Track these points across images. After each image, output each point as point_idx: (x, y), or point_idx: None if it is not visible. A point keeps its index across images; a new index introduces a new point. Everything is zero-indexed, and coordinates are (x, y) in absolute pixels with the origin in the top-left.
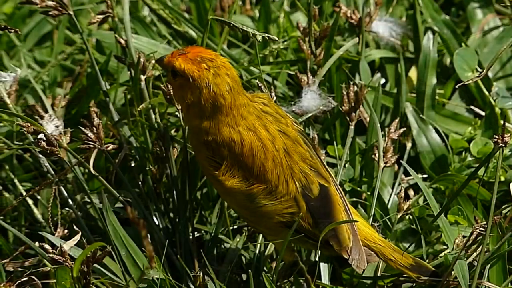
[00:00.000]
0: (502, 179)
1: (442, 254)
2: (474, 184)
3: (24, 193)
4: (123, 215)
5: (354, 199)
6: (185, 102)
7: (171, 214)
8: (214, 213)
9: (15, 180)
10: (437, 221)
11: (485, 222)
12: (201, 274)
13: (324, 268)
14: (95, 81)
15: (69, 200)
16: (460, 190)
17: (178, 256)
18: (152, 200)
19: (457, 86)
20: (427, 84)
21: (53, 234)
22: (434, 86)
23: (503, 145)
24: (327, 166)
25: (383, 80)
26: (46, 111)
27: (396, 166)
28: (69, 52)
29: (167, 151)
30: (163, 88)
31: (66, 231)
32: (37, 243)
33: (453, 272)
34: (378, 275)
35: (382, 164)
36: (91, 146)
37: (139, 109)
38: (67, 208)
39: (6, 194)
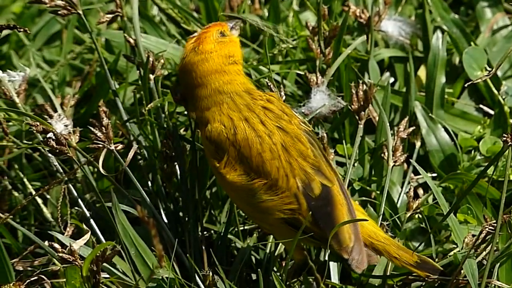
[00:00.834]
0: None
1: (452, 253)
2: (483, 183)
3: (34, 193)
4: (132, 214)
5: (364, 198)
6: (185, 90)
7: (181, 213)
8: (223, 212)
9: (25, 180)
10: (446, 220)
11: (495, 221)
12: (211, 273)
13: (333, 267)
14: (104, 80)
15: (79, 200)
16: (469, 189)
17: (187, 255)
18: (162, 199)
19: (466, 85)
20: (436, 83)
21: (63, 234)
22: (443, 85)
23: None
24: (333, 166)
25: (392, 79)
26: (55, 111)
27: (405, 165)
28: (78, 51)
29: (176, 150)
30: (172, 87)
31: (75, 230)
32: (46, 243)
33: (462, 271)
34: (388, 274)
35: (391, 163)
36: (100, 145)
37: (148, 108)
38: (76, 208)
39: (16, 194)
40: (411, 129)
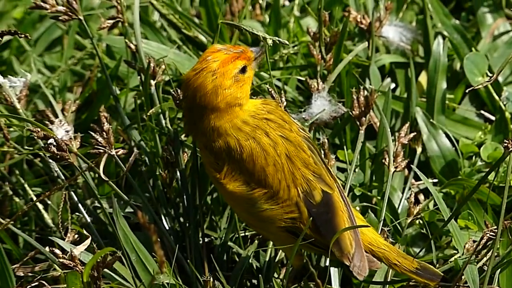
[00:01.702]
0: None
1: (452, 258)
2: (484, 188)
3: (35, 198)
4: (133, 220)
5: (364, 203)
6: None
7: (181, 219)
8: (224, 218)
9: (25, 185)
10: (447, 225)
11: (495, 227)
12: (211, 279)
13: (334, 272)
14: (105, 86)
15: (79, 205)
16: (470, 194)
17: (188, 261)
18: (162, 205)
19: (467, 91)
20: (437, 89)
21: (63, 239)
22: (444, 91)
23: None
24: (333, 173)
25: (393, 85)
26: (56, 116)
27: (406, 171)
28: (79, 57)
29: (177, 156)
30: (173, 93)
31: (76, 236)
32: (47, 248)
33: (463, 277)
34: (388, 279)
35: (392, 169)
36: (101, 151)
37: (149, 114)
38: (77, 213)
39: (16, 199)
40: (412, 134)
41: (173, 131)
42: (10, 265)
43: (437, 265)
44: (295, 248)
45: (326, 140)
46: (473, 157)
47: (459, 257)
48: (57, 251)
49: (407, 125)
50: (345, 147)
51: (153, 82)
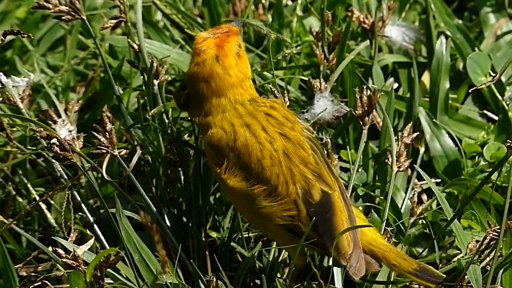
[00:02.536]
0: None
1: (455, 258)
2: (487, 188)
3: (37, 198)
4: (136, 220)
5: (367, 203)
6: (190, 90)
7: (184, 219)
8: (227, 218)
9: (28, 185)
10: (450, 225)
11: (498, 227)
12: (214, 279)
13: (337, 272)
14: (108, 86)
15: (82, 205)
16: (473, 194)
17: (191, 260)
18: (165, 205)
19: (470, 91)
20: (440, 89)
21: (66, 239)
22: (447, 91)
23: None
24: (336, 173)
25: (396, 85)
26: (59, 116)
27: (409, 171)
28: (82, 57)
29: (180, 155)
30: (175, 93)
31: (79, 235)
32: (50, 248)
33: (466, 277)
34: (391, 279)
35: (395, 169)
36: (104, 151)
37: (152, 113)
38: (80, 213)
39: (20, 199)
40: (415, 134)
41: (176, 131)
42: (13, 265)
43: (440, 265)
44: (298, 248)
45: (329, 140)
46: (476, 157)
47: (462, 257)
48: (60, 251)
49: (410, 125)
50: (348, 147)
51: (156, 82)
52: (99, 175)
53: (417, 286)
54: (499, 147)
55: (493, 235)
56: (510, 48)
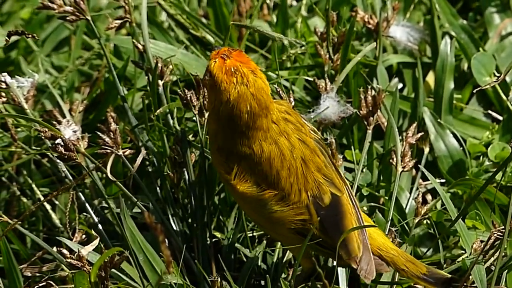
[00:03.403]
0: None
1: (460, 258)
2: (492, 188)
3: (42, 198)
4: (140, 220)
5: (372, 203)
6: (209, 103)
7: (189, 219)
8: (231, 218)
9: (33, 185)
10: (454, 225)
11: (503, 227)
12: (219, 279)
13: (341, 272)
14: (112, 86)
15: (87, 205)
16: (478, 194)
17: (195, 261)
18: (170, 205)
19: (474, 91)
20: (444, 89)
21: (71, 239)
22: (451, 91)
23: None
24: (342, 175)
25: (400, 85)
26: (63, 116)
27: (414, 171)
28: (87, 57)
29: (185, 156)
30: (181, 93)
31: (83, 236)
32: (54, 248)
33: (470, 277)
34: (396, 280)
35: (399, 169)
36: (109, 151)
37: (156, 114)
38: (84, 213)
39: (24, 199)
40: (419, 134)
41: (180, 131)
42: (18, 265)
43: (445, 265)
44: (303, 247)
45: (333, 140)
46: (481, 157)
47: (467, 257)
48: (65, 251)
49: (414, 125)
50: (352, 147)
51: (160, 82)
52: (104, 175)
53: (421, 286)
54: (504, 147)
55: (497, 235)
56: None
